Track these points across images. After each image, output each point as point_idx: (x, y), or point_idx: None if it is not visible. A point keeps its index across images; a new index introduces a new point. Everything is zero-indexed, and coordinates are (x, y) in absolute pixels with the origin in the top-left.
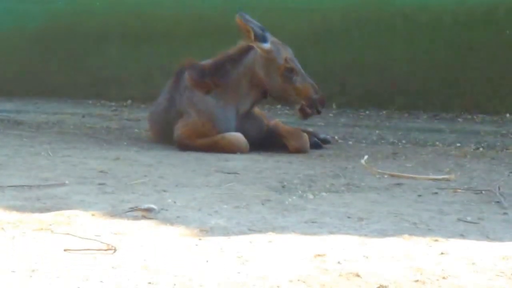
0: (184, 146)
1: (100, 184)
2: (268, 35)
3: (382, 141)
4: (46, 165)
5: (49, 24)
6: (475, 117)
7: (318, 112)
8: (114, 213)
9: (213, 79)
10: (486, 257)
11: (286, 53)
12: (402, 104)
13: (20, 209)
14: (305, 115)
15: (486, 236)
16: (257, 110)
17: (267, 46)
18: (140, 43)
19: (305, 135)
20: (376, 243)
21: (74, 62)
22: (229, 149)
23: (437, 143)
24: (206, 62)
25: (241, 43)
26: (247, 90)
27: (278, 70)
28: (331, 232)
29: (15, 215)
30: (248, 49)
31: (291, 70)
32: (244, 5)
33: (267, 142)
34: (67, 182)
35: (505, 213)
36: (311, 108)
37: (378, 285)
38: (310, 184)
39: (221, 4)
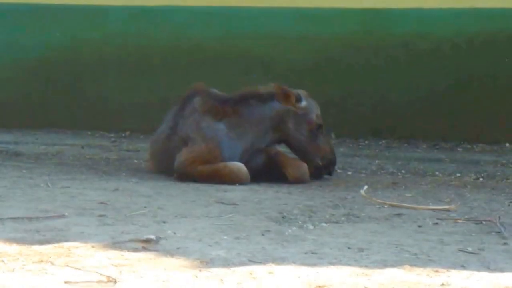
0: (185, 173)
1: (99, 215)
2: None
3: (382, 171)
4: (46, 196)
5: (47, 56)
6: (474, 146)
7: (330, 174)
8: (114, 245)
9: (234, 107)
10: None
11: (317, 110)
12: (401, 133)
13: (20, 241)
14: (318, 172)
15: (487, 266)
16: None
17: (304, 104)
18: (139, 74)
19: (305, 165)
20: (376, 274)
21: (73, 93)
22: (230, 178)
23: (437, 173)
24: (221, 93)
25: (273, 86)
26: (268, 132)
27: (308, 126)
28: (331, 263)
29: (15, 248)
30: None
31: (319, 127)
32: (243, 34)
33: (267, 171)
34: (66, 213)
35: (505, 244)
36: (325, 168)
37: None
38: (310, 215)
39: (219, 35)
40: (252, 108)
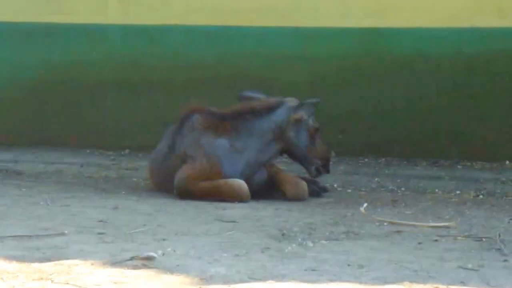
0: (185, 190)
1: (99, 233)
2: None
3: (381, 189)
4: (45, 214)
5: (46, 75)
6: (474, 164)
7: (328, 172)
8: (114, 262)
9: (233, 122)
10: None
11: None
12: (401, 151)
13: (20, 259)
14: (318, 174)
15: (487, 283)
16: None
17: (301, 112)
18: (137, 93)
19: (303, 183)
20: None
21: (72, 112)
22: (230, 195)
23: (437, 190)
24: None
25: (266, 99)
26: (271, 144)
27: (308, 131)
28: (331, 280)
29: (14, 265)
30: (276, 106)
31: (317, 130)
32: (242, 53)
33: (267, 189)
34: (66, 231)
35: (505, 260)
36: (324, 168)
37: None
38: (310, 232)
39: (217, 54)
40: (249, 122)
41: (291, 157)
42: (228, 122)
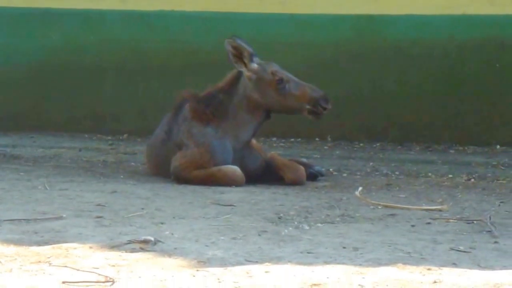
0: (181, 178)
1: (97, 217)
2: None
3: (376, 173)
4: (43, 198)
5: (44, 59)
6: (466, 148)
7: (325, 109)
8: (112, 246)
9: (211, 110)
10: (478, 285)
11: (271, 67)
12: (395, 136)
13: (18, 242)
14: (316, 116)
15: (478, 264)
16: (254, 143)
17: (255, 65)
18: (135, 78)
19: (301, 168)
20: (371, 272)
21: (70, 96)
22: (225, 181)
23: (430, 174)
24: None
25: (228, 75)
26: (247, 117)
27: (269, 86)
28: (326, 262)
29: (12, 249)
30: (237, 78)
31: (281, 81)
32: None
33: (263, 175)
34: (64, 215)
35: (496, 242)
36: (317, 107)
37: None
38: (306, 215)
39: (215, 39)
40: (222, 104)
41: (280, 114)
42: (209, 109)
